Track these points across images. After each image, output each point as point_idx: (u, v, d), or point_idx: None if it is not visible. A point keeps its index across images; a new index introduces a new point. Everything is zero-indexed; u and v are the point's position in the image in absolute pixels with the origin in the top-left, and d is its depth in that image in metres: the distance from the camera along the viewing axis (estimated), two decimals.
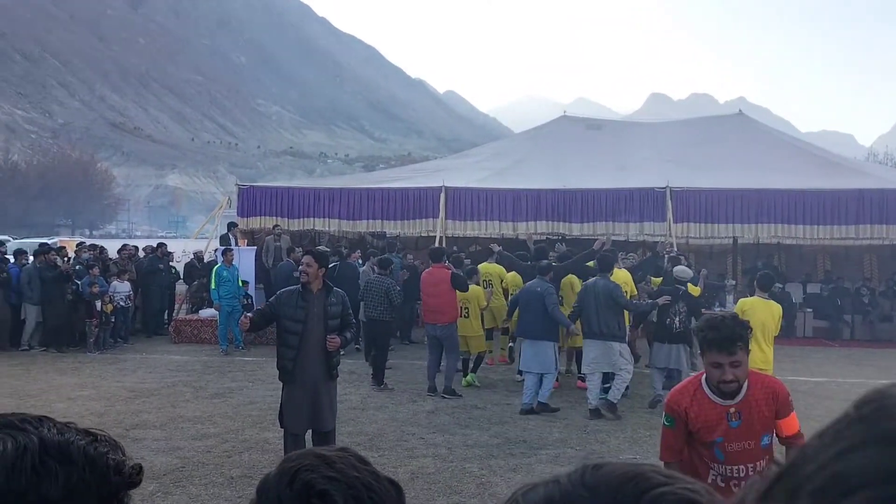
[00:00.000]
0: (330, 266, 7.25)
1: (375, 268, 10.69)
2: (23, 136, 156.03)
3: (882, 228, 14.32)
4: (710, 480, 3.02)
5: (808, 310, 15.85)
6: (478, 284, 10.27)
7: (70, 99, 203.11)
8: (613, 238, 14.24)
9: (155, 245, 15.59)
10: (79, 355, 12.02)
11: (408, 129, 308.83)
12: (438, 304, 9.40)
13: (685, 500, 0.52)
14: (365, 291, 10.22)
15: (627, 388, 8.81)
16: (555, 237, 14.71)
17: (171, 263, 15.47)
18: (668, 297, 8.59)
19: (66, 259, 13.30)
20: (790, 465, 0.43)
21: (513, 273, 11.04)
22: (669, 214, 14.47)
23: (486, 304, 10.18)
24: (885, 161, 51.93)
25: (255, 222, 16.12)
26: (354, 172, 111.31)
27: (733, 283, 13.94)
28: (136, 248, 15.58)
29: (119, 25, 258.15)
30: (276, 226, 15.52)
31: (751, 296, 8.18)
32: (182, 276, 15.43)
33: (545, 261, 9.28)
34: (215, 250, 14.57)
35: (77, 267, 13.12)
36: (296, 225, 16.18)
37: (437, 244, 13.32)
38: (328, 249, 11.13)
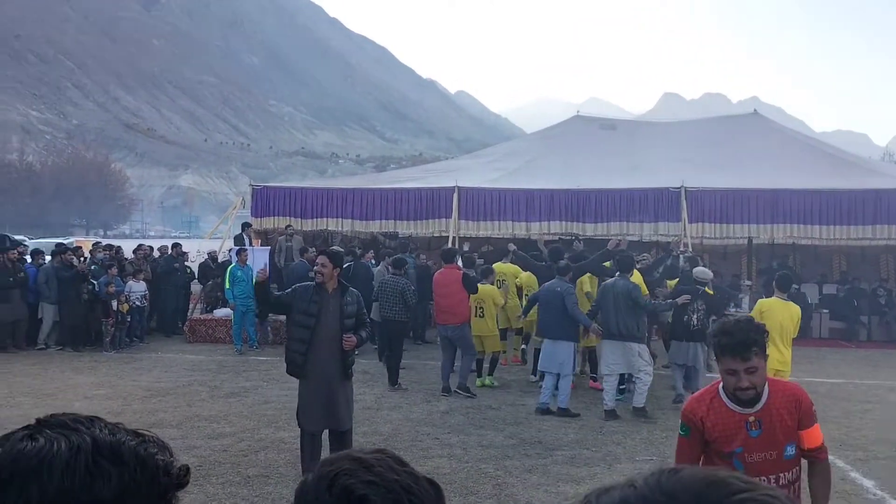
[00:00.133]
0: (344, 266, 7.27)
1: (390, 268, 10.70)
2: (38, 137, 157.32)
3: None
4: None
5: (824, 311, 15.73)
6: (492, 284, 10.26)
7: (84, 100, 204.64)
8: (628, 238, 14.20)
9: (170, 245, 15.68)
10: (95, 354, 12.10)
11: (419, 129, 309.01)
12: (450, 304, 9.42)
13: None
14: (380, 292, 10.23)
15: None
16: (568, 237, 14.67)
17: (186, 263, 15.55)
18: (688, 297, 8.56)
19: (82, 259, 13.41)
20: None
21: (527, 273, 11.02)
22: (684, 214, 14.40)
23: (503, 301, 10.13)
24: None
25: (269, 222, 16.18)
26: (366, 173, 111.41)
27: (749, 283, 13.84)
28: (151, 248, 15.67)
29: (132, 27, 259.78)
30: (289, 226, 15.57)
31: (766, 297, 8.14)
32: (197, 276, 15.52)
33: (563, 261, 9.26)
34: (229, 250, 14.64)
35: (93, 267, 13.22)
36: (309, 225, 16.23)
37: (449, 244, 13.33)
38: (342, 249, 11.15)
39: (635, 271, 9.73)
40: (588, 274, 10.02)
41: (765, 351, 2.74)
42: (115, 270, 12.72)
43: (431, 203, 15.60)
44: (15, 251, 12.79)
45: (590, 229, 14.94)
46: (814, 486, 2.94)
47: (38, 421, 0.87)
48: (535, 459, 6.67)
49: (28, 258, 13.30)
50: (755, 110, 20.81)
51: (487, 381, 9.87)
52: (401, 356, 9.92)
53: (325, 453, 6.01)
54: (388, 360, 9.91)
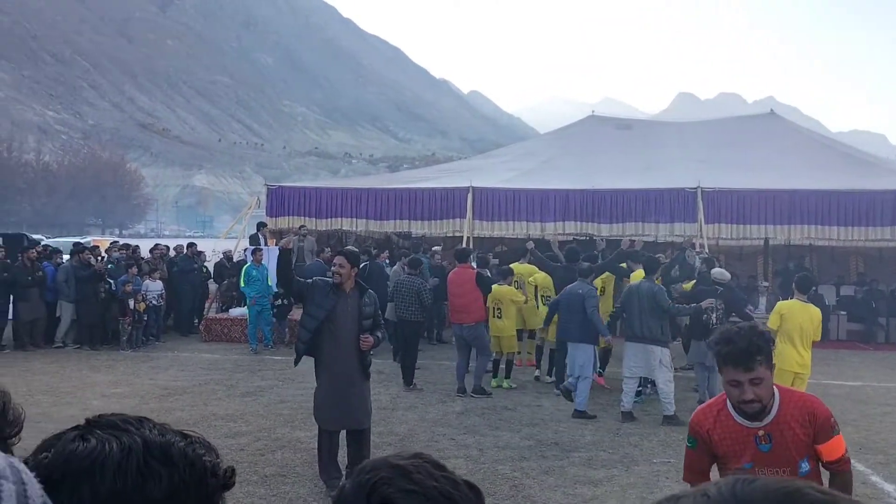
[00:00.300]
0: (360, 266, 7.29)
1: (406, 268, 10.70)
2: (54, 137, 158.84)
3: None
4: None
5: (842, 312, 15.58)
6: (510, 285, 10.21)
7: (100, 100, 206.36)
8: (643, 239, 14.14)
9: (185, 245, 15.78)
10: (112, 353, 12.20)
11: (432, 129, 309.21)
12: (464, 303, 9.42)
13: None
14: (395, 292, 10.23)
15: (650, 388, 8.83)
16: (582, 237, 14.62)
17: (203, 263, 15.65)
18: (712, 300, 8.51)
19: (99, 258, 13.52)
20: None
21: (542, 273, 10.97)
22: (700, 215, 14.31)
23: (523, 299, 10.04)
24: None
25: (284, 222, 16.23)
26: (379, 172, 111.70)
27: (766, 284, 13.74)
28: (168, 247, 15.78)
29: (147, 27, 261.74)
30: (302, 226, 15.62)
31: (784, 298, 8.08)
32: (212, 276, 15.60)
33: (586, 263, 9.22)
34: (245, 250, 14.70)
35: (109, 266, 13.32)
36: (323, 225, 16.28)
37: (463, 244, 13.31)
38: (357, 249, 11.18)
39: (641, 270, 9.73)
40: (606, 273, 10.01)
41: (771, 360, 2.53)
42: (135, 270, 12.81)
43: (446, 203, 15.59)
44: (34, 250, 12.91)
45: (605, 230, 14.88)
46: None
47: (88, 421, 0.87)
48: (552, 461, 6.65)
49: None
50: (772, 110, 20.66)
51: (505, 383, 9.84)
52: (416, 356, 9.93)
53: (343, 453, 6.03)
54: (403, 360, 9.91)
